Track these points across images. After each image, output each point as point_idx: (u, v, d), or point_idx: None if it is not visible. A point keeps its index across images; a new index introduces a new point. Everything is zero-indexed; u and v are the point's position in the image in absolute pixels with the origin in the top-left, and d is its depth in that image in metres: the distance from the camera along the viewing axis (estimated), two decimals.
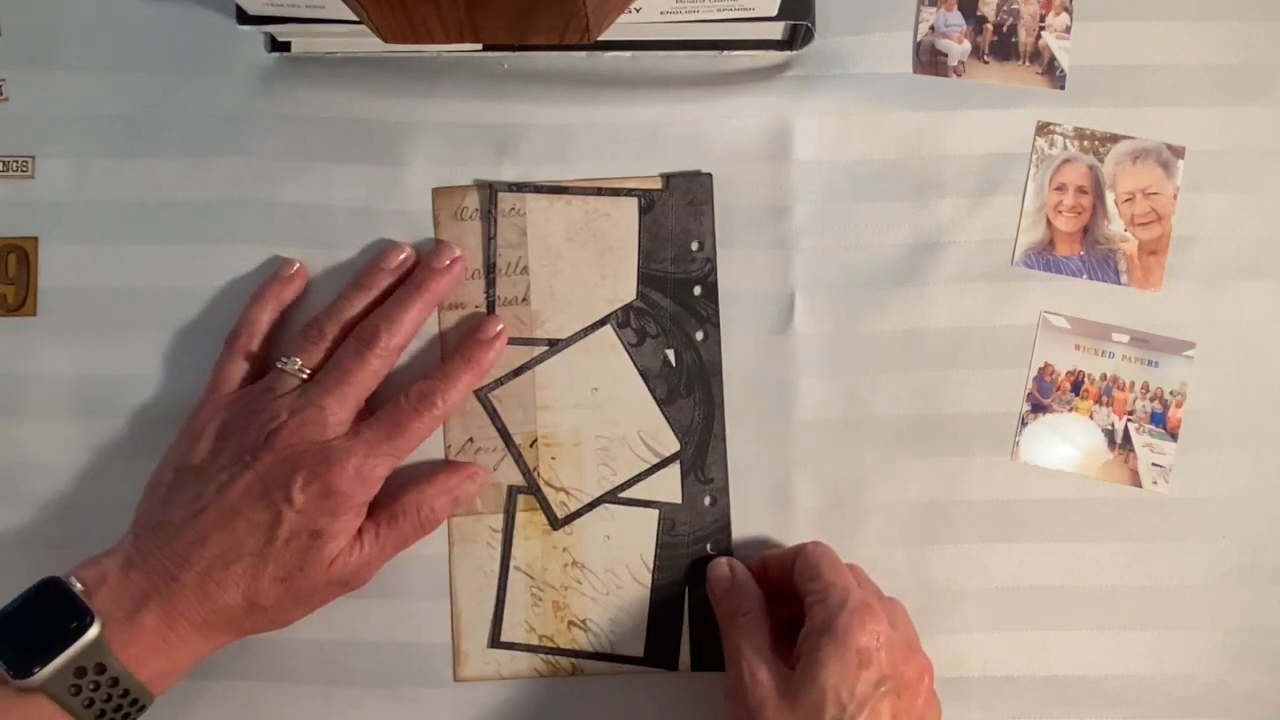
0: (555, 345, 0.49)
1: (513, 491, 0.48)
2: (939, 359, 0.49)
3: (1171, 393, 0.48)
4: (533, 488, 0.48)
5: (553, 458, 0.48)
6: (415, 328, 0.47)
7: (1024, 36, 0.49)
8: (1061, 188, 0.49)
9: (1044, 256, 0.49)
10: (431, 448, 0.48)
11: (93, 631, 0.39)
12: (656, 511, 0.48)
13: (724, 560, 0.47)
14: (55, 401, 0.48)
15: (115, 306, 0.49)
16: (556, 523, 0.48)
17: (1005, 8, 0.50)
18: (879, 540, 0.48)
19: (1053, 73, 0.49)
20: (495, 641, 0.48)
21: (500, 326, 0.48)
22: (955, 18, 0.50)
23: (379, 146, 0.49)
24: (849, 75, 0.49)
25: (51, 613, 0.40)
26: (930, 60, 0.49)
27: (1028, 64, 0.49)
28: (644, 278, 0.49)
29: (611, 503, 0.48)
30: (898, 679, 0.41)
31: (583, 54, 0.49)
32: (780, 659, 0.43)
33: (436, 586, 0.48)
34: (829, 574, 0.44)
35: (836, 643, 0.41)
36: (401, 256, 0.48)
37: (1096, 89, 0.49)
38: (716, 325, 0.49)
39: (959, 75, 0.49)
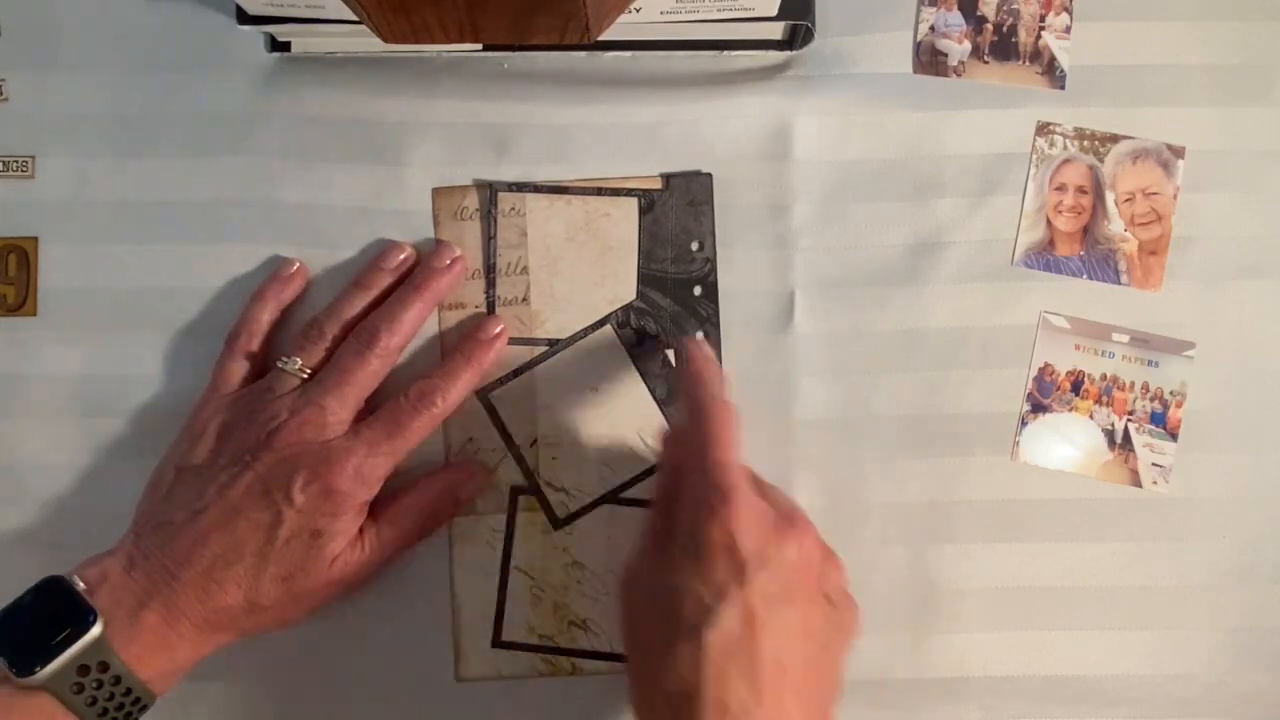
0: (555, 345, 0.49)
1: (513, 491, 0.48)
2: (939, 359, 0.49)
3: (1171, 393, 0.48)
4: (533, 488, 0.48)
5: (553, 458, 0.48)
6: (415, 327, 0.47)
7: (1024, 36, 0.49)
8: (1061, 188, 0.49)
9: (1044, 256, 0.49)
10: (431, 448, 0.48)
11: (95, 630, 0.39)
12: None
13: (669, 433, 0.45)
14: (55, 401, 0.48)
15: (115, 306, 0.49)
16: (557, 523, 0.48)
17: (1005, 8, 0.50)
18: (879, 540, 0.48)
19: (1053, 73, 0.49)
20: (496, 641, 0.48)
21: (500, 326, 0.48)
22: (955, 18, 0.50)
23: (379, 146, 0.49)
24: (849, 75, 0.49)
25: (54, 611, 0.40)
26: (930, 60, 0.49)
27: (1028, 64, 0.49)
28: (644, 278, 0.49)
29: (612, 503, 0.48)
30: (764, 562, 0.38)
31: (583, 54, 0.49)
32: None
33: (437, 586, 0.48)
34: (706, 450, 0.40)
35: (686, 539, 0.39)
36: (401, 256, 0.48)
37: (1096, 89, 0.49)
38: (716, 325, 0.49)
39: (959, 75, 0.49)
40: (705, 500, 0.39)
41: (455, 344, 0.48)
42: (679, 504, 0.40)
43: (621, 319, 0.49)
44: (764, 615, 0.37)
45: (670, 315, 0.49)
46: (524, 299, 0.49)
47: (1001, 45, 0.49)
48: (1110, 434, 0.48)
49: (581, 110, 0.49)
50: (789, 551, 0.39)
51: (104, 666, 0.40)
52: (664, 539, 0.41)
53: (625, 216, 0.49)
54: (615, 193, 0.49)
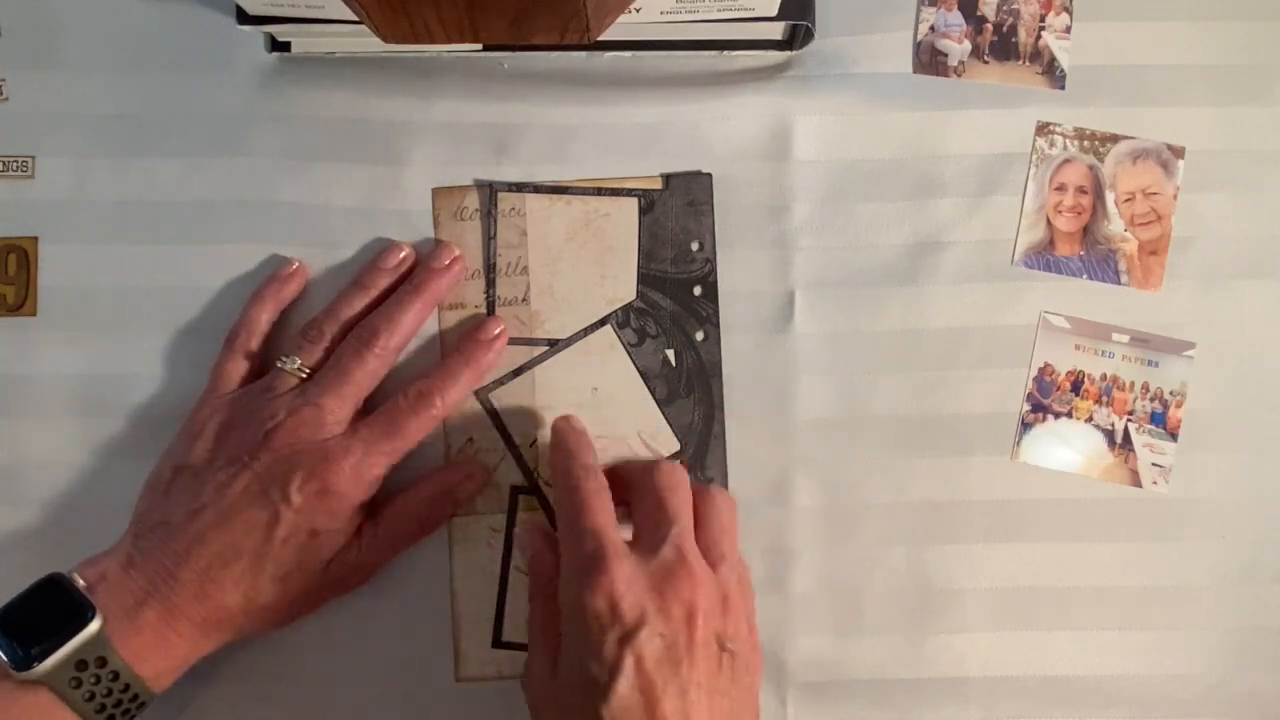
0: (555, 345, 0.49)
1: (513, 491, 0.48)
2: (939, 359, 0.49)
3: (1171, 393, 0.48)
4: (533, 488, 0.48)
5: None
6: (414, 328, 0.47)
7: (1024, 36, 0.49)
8: (1061, 188, 0.49)
9: (1044, 256, 0.49)
10: (431, 448, 0.48)
11: (94, 625, 0.39)
12: None
13: (531, 523, 0.46)
14: (55, 401, 0.48)
15: (115, 306, 0.49)
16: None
17: (1005, 8, 0.50)
18: (879, 540, 0.48)
19: (1053, 73, 0.49)
20: (496, 641, 0.48)
21: (501, 328, 0.48)
22: (955, 18, 0.50)
23: (379, 146, 0.49)
24: (849, 75, 0.49)
25: (53, 607, 0.40)
26: (930, 60, 0.49)
27: (1028, 64, 0.49)
28: (644, 278, 0.49)
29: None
30: (649, 623, 0.38)
31: (583, 54, 0.50)
32: None
33: (436, 586, 0.48)
34: (576, 520, 0.41)
35: (570, 615, 0.39)
36: (401, 256, 0.48)
37: (1096, 89, 0.49)
38: (716, 325, 0.49)
39: (959, 75, 0.49)
40: (580, 571, 0.39)
41: (455, 344, 0.48)
42: (560, 582, 0.41)
43: (621, 319, 0.49)
44: (659, 680, 0.38)
45: (670, 315, 0.49)
46: (524, 299, 0.49)
47: (1001, 45, 0.49)
48: (1110, 434, 0.48)
49: (581, 110, 0.49)
50: (673, 609, 0.39)
51: (102, 662, 0.40)
52: (548, 629, 0.41)
53: (625, 216, 0.49)
54: (615, 193, 0.49)
